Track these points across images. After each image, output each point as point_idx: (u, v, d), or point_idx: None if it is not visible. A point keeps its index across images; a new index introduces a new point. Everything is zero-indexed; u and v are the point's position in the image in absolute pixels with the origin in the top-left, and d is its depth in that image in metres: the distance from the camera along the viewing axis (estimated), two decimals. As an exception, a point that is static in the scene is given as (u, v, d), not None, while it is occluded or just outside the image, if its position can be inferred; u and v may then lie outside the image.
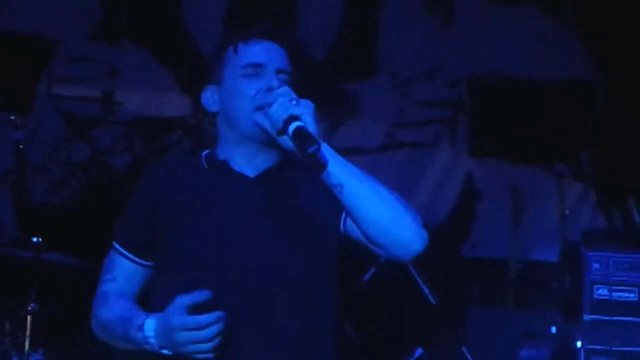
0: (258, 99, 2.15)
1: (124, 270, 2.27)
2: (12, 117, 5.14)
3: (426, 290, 4.98)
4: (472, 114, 6.71)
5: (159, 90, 6.12)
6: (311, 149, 2.07)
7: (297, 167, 2.24)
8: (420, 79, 6.70)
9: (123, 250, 2.23)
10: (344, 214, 2.21)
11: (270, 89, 2.12)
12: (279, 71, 2.24)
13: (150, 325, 2.09)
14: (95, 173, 6.02)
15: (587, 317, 4.93)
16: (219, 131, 2.27)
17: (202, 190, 2.19)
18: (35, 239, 4.34)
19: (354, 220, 2.16)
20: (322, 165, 2.13)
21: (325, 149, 2.17)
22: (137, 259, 2.22)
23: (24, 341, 4.76)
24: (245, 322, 2.12)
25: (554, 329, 5.34)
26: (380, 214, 2.19)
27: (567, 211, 6.45)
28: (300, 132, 2.09)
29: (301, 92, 2.40)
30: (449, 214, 6.75)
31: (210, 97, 2.28)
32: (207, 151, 2.27)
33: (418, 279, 4.97)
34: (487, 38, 6.67)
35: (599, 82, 6.68)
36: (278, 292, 2.20)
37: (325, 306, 2.25)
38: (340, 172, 2.17)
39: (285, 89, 2.16)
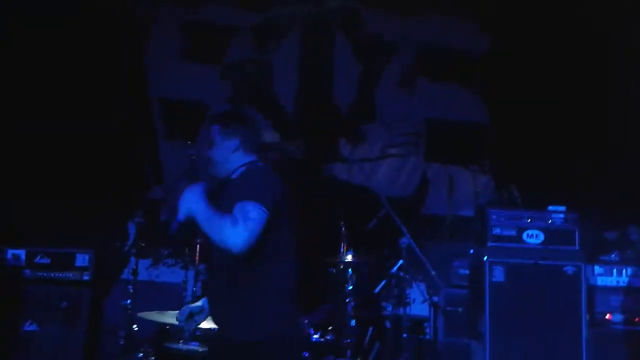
0: None
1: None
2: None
3: (405, 230, 6.52)
4: (426, 139, 8.59)
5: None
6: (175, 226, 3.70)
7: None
8: (398, 122, 8.60)
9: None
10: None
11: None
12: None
13: None
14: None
15: (490, 243, 6.13)
16: None
17: None
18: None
19: None
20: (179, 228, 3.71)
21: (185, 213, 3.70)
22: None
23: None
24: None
25: (472, 251, 6.37)
26: (212, 235, 3.70)
27: (478, 191, 8.34)
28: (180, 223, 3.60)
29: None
30: (415, 191, 8.58)
31: None
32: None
33: (401, 226, 6.56)
34: (440, 99, 8.33)
35: (491, 124, 8.47)
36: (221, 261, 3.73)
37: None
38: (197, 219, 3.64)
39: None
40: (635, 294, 6.07)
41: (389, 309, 6.49)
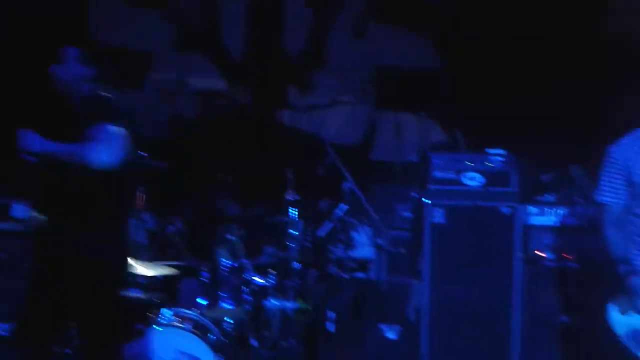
0: None
1: None
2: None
3: (347, 176, 6.69)
4: (374, 88, 9.22)
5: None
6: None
7: None
8: (348, 70, 9.22)
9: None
10: None
11: None
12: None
13: None
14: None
15: (431, 186, 6.30)
16: None
17: None
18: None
19: None
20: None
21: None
22: None
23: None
24: None
25: (414, 194, 6.62)
26: (78, 159, 4.04)
27: (425, 136, 8.92)
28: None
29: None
30: (363, 137, 9.37)
31: None
32: None
33: (344, 171, 6.69)
34: (390, 45, 8.79)
35: (440, 69, 9.07)
36: None
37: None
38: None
39: None
40: (568, 233, 6.23)
41: (334, 251, 6.57)
